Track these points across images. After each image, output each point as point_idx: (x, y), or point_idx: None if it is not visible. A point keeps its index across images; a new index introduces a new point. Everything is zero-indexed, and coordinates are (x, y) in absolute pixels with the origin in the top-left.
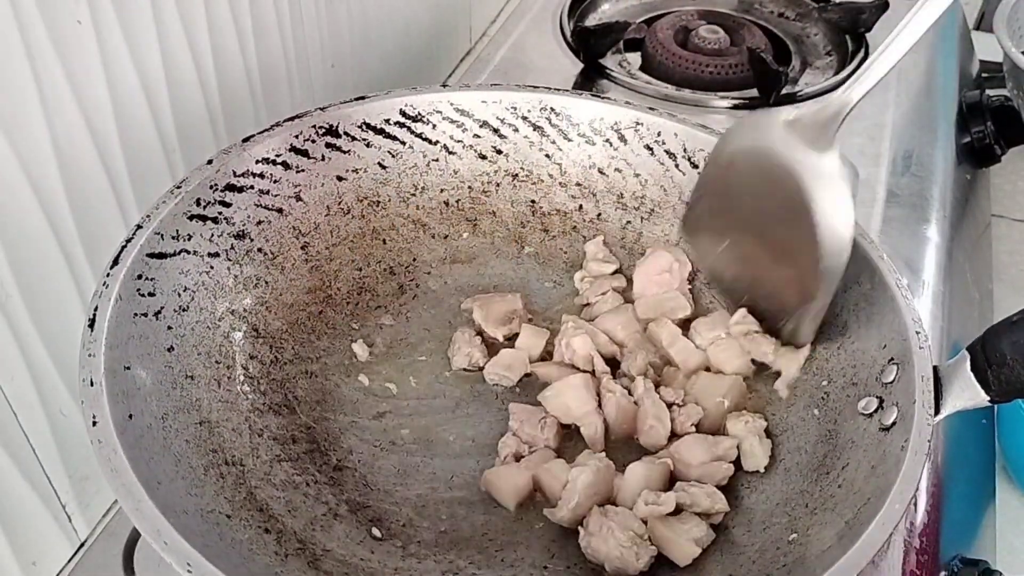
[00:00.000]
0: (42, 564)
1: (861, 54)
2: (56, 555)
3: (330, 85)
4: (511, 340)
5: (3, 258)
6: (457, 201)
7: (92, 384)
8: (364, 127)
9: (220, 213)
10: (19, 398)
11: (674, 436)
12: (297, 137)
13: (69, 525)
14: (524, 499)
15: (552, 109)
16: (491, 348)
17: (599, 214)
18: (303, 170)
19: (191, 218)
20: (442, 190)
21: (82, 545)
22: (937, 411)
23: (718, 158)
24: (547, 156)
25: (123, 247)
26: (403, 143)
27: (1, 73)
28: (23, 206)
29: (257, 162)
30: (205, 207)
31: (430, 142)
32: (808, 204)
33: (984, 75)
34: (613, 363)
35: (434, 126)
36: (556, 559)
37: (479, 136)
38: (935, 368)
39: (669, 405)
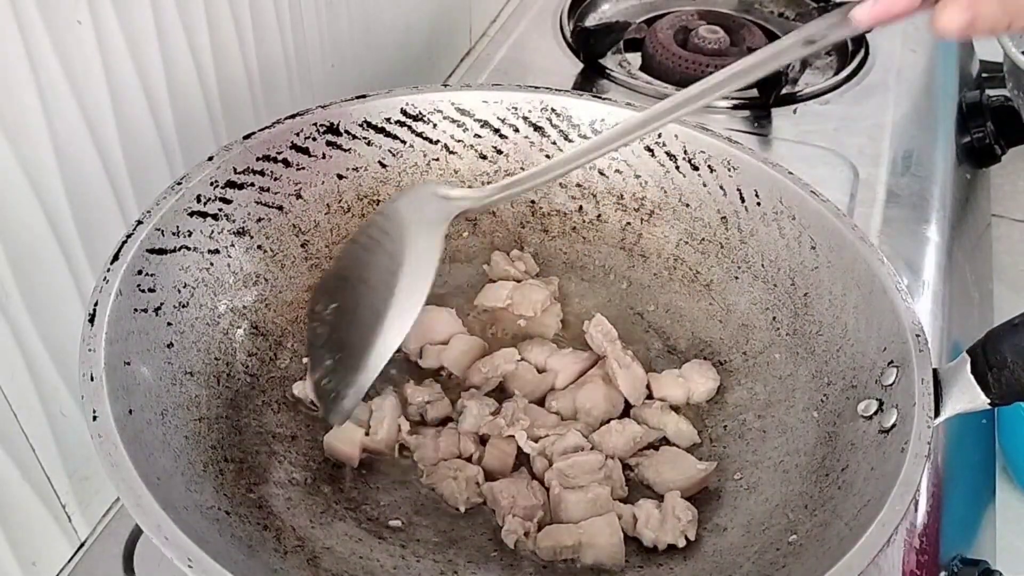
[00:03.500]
0: (42, 564)
1: (861, 54)
2: (56, 555)
3: (330, 85)
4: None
5: (3, 258)
6: None
7: (92, 379)
8: (365, 126)
9: (220, 210)
10: (19, 398)
11: None
12: (298, 135)
13: (69, 525)
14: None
15: (553, 110)
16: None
17: (599, 215)
18: (304, 168)
19: (192, 214)
20: None
21: (82, 545)
22: (937, 414)
23: (365, 221)
24: (547, 157)
25: (123, 242)
26: (404, 142)
27: (1, 73)
28: (23, 206)
29: (258, 159)
30: (206, 204)
31: (431, 141)
32: (394, 281)
33: (984, 75)
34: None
35: (435, 125)
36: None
37: (480, 136)
38: (935, 371)
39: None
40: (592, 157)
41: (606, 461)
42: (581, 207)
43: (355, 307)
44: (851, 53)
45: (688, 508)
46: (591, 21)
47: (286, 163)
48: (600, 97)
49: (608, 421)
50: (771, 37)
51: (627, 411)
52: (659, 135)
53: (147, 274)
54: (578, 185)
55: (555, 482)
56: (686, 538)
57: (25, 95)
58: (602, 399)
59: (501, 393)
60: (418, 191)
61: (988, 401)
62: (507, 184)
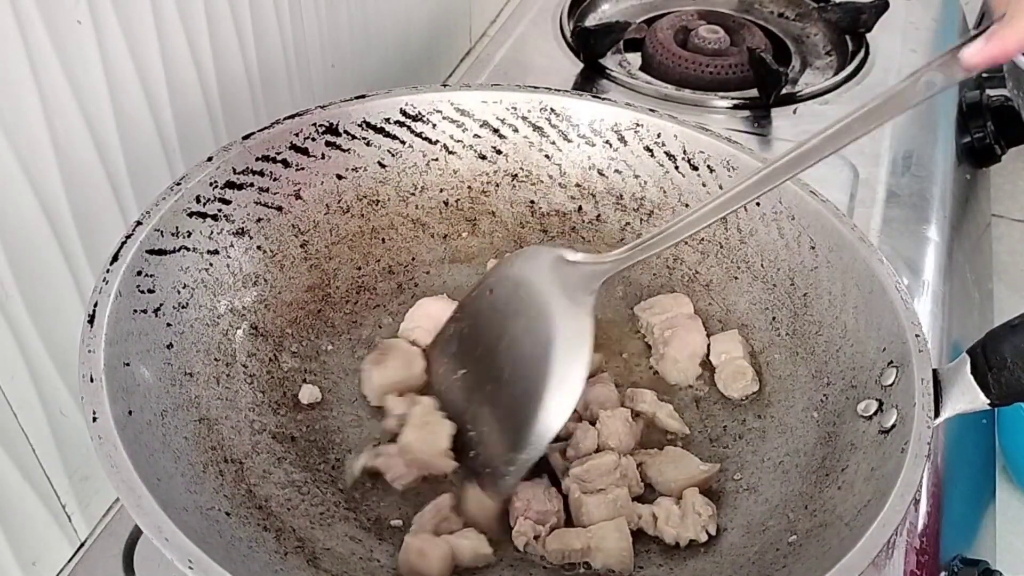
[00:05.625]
0: (42, 564)
1: (861, 54)
2: (56, 555)
3: (330, 85)
4: None
5: (3, 258)
6: (456, 201)
7: (92, 380)
8: (364, 126)
9: (220, 210)
10: (19, 398)
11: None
12: (297, 135)
13: (69, 525)
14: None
15: (552, 110)
16: None
17: (598, 215)
18: (303, 168)
19: (191, 215)
20: (442, 190)
21: (82, 545)
22: (937, 414)
23: (483, 282)
24: (547, 157)
25: (123, 243)
26: (403, 142)
27: (1, 73)
28: (23, 206)
29: (257, 159)
30: (205, 204)
31: (430, 141)
32: (547, 357)
33: (984, 75)
34: None
35: (434, 126)
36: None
37: (479, 136)
38: (935, 371)
39: None
40: (729, 210)
41: (620, 460)
42: (580, 207)
43: (494, 378)
44: (851, 53)
45: (707, 503)
46: (591, 21)
47: (285, 163)
48: (600, 97)
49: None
50: (771, 37)
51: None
52: (658, 135)
53: (147, 275)
54: (577, 185)
55: (574, 487)
56: (707, 533)
57: (25, 95)
58: (615, 397)
59: None
60: (539, 256)
61: (988, 402)
62: (638, 245)
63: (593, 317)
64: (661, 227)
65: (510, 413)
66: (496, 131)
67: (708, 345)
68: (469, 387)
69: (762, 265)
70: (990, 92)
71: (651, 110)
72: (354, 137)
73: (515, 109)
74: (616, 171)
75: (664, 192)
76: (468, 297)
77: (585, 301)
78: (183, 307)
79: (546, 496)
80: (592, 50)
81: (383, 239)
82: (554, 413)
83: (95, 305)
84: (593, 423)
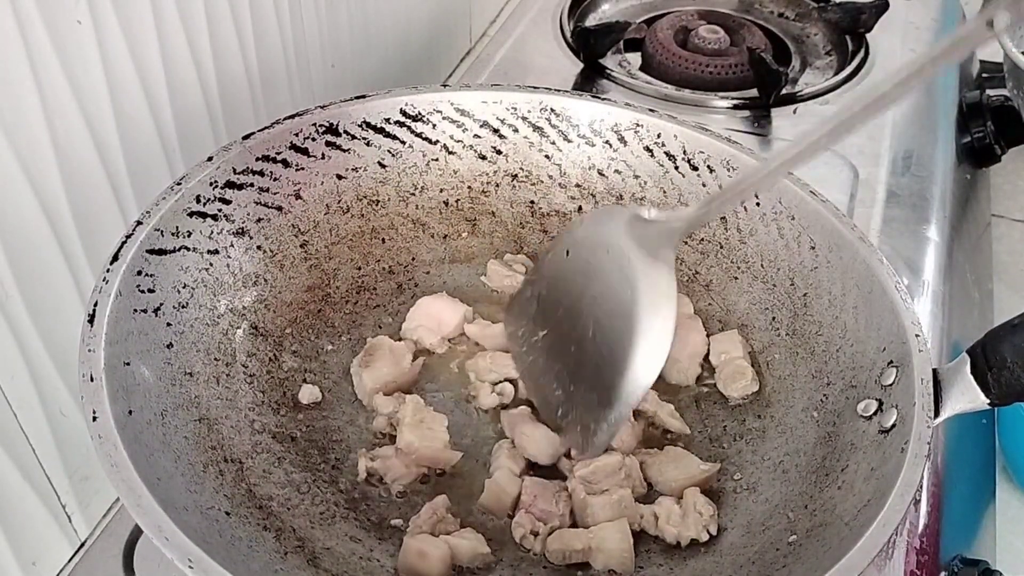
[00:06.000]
0: (42, 564)
1: (861, 54)
2: (56, 555)
3: (330, 85)
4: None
5: (3, 258)
6: (456, 201)
7: (92, 380)
8: (364, 126)
9: (220, 210)
10: (19, 398)
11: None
12: (297, 135)
13: (69, 525)
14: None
15: (552, 110)
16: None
17: None
18: (303, 168)
19: (191, 215)
20: (441, 190)
21: (82, 545)
22: (937, 414)
23: (558, 244)
24: (547, 157)
25: (123, 243)
26: (403, 142)
27: (1, 73)
28: (23, 206)
29: (257, 159)
30: (205, 204)
31: (430, 142)
32: (633, 313)
33: (984, 75)
34: None
35: (434, 126)
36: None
37: (479, 136)
38: (935, 371)
39: None
40: (804, 161)
41: (624, 461)
42: (580, 207)
43: (578, 338)
44: (851, 53)
45: (708, 503)
46: (591, 21)
47: (285, 163)
48: (600, 97)
49: None
50: (771, 37)
51: None
52: (658, 135)
53: (147, 274)
54: (577, 185)
55: (579, 488)
56: (708, 532)
57: (25, 95)
58: None
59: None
60: (614, 215)
61: (988, 401)
62: (712, 200)
63: (674, 271)
64: (734, 180)
65: (598, 371)
66: (496, 131)
67: (708, 345)
68: (551, 348)
69: (762, 265)
70: (990, 92)
71: (651, 110)
72: (354, 137)
73: (515, 109)
74: (616, 171)
75: (664, 192)
76: (543, 260)
77: (666, 256)
78: (183, 307)
79: (555, 497)
80: (592, 50)
81: (383, 239)
82: (644, 368)
83: (95, 305)
84: None
